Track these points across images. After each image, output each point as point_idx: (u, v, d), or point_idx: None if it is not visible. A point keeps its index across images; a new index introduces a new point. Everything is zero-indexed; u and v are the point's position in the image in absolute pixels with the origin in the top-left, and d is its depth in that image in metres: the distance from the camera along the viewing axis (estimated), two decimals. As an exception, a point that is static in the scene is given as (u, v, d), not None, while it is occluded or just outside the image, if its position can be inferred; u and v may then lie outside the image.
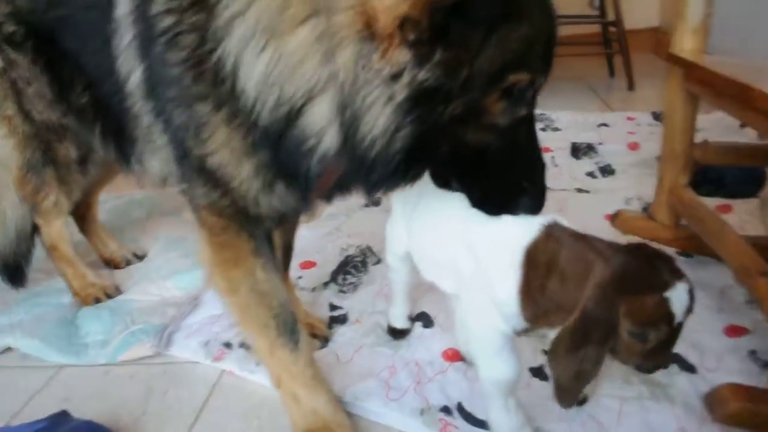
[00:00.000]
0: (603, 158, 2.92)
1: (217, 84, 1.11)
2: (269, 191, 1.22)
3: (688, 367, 1.52)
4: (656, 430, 1.36)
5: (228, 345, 1.72)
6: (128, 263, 2.27)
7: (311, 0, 0.98)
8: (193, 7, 1.11)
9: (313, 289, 1.99)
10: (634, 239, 2.04)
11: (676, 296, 1.01)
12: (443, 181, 1.20)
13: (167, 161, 1.37)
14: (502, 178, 1.14)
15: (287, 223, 1.60)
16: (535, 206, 1.16)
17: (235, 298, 1.36)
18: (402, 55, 0.94)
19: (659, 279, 1.02)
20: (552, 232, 1.14)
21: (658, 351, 1.06)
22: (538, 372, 1.55)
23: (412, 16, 0.91)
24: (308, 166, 1.10)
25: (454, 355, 1.63)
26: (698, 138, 1.97)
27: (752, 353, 1.57)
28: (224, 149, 1.17)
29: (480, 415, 1.41)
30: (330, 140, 1.04)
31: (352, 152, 1.02)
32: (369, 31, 0.94)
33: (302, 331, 1.39)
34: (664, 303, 1.01)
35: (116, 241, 2.34)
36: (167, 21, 1.14)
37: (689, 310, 1.04)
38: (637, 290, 1.02)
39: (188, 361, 1.73)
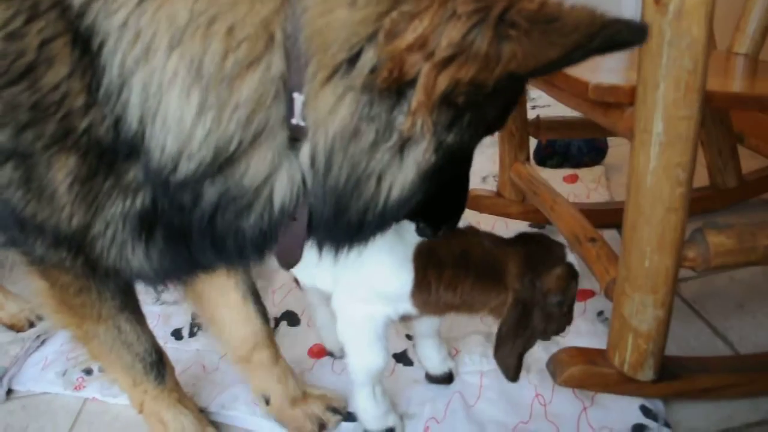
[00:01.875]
0: (461, 140, 2.99)
1: (83, 135, 0.91)
2: (150, 251, 1.03)
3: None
4: (514, 398, 1.42)
5: (88, 372, 1.66)
6: (32, 325, 1.93)
7: (265, 35, 0.81)
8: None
9: (175, 302, 1.94)
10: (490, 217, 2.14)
11: (572, 258, 1.19)
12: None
13: None
14: (453, 204, 1.11)
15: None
16: (456, 223, 1.15)
17: (93, 345, 1.25)
18: (435, 117, 0.82)
19: (556, 252, 1.21)
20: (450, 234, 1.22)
21: (568, 311, 1.23)
22: (401, 357, 1.59)
23: (479, 80, 0.77)
24: (244, 225, 0.94)
25: (320, 351, 1.65)
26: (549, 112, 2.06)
27: (600, 314, 1.66)
28: (79, 203, 0.97)
29: (351, 408, 1.42)
30: (283, 196, 0.89)
31: (340, 216, 0.89)
32: (388, 85, 0.79)
33: (168, 363, 1.35)
34: (570, 267, 1.19)
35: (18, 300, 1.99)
36: None
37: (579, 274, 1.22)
38: (547, 267, 1.18)
39: (49, 392, 1.65)
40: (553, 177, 2.45)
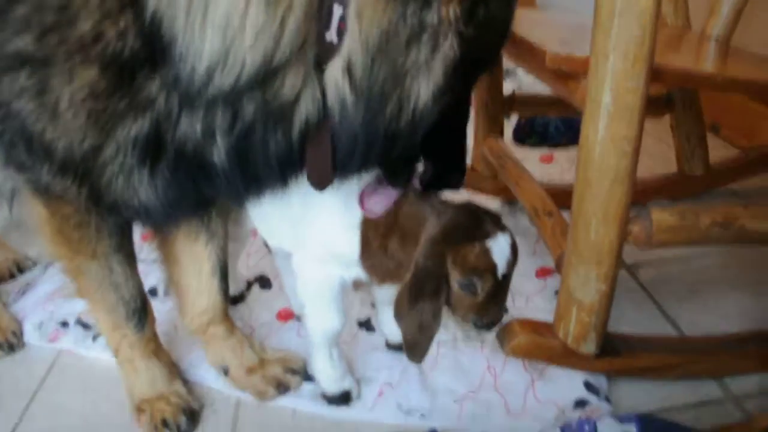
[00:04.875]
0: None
1: (111, 42, 0.88)
2: (155, 180, 1.02)
3: (500, 309, 1.65)
4: (467, 368, 1.48)
5: (64, 324, 1.70)
6: (12, 276, 1.95)
7: None
8: None
9: (154, 260, 1.97)
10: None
11: (497, 245, 1.11)
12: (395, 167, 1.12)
13: None
14: (452, 152, 1.12)
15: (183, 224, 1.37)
16: (459, 181, 1.17)
17: (83, 280, 1.27)
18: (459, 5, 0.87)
19: (481, 230, 1.12)
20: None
21: (489, 304, 1.16)
22: (364, 324, 1.64)
23: None
24: (271, 143, 0.95)
25: (287, 315, 1.70)
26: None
27: (558, 293, 1.71)
28: (93, 123, 0.95)
29: (309, 370, 1.47)
30: (308, 113, 0.92)
31: (373, 125, 0.92)
32: None
33: (150, 313, 1.38)
34: (486, 251, 1.11)
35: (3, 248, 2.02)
36: None
37: (512, 261, 1.15)
38: (460, 241, 1.11)
39: (25, 342, 1.69)
40: (531, 156, 2.49)
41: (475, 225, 1.13)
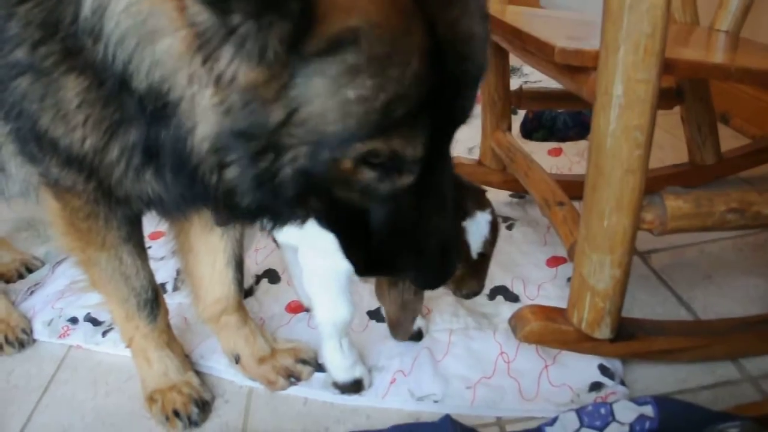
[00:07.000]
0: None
1: (81, 57, 0.93)
2: (162, 176, 1.03)
3: (512, 297, 1.66)
4: (479, 355, 1.47)
5: (74, 320, 1.71)
6: (21, 277, 2.00)
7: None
8: None
9: (162, 258, 1.98)
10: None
11: (474, 225, 1.11)
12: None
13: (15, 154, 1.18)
14: (387, 246, 0.99)
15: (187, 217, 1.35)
16: (428, 284, 1.08)
17: (95, 272, 1.30)
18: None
19: (459, 209, 1.10)
20: None
21: (466, 278, 1.16)
22: (374, 314, 1.64)
23: None
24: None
25: (297, 307, 1.70)
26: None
27: (569, 280, 1.70)
28: (91, 128, 0.99)
29: (320, 360, 1.48)
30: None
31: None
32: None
33: (162, 305, 1.40)
34: (461, 231, 1.10)
35: (12, 250, 2.07)
36: None
37: (489, 240, 1.14)
38: None
39: (35, 340, 1.70)
40: (538, 149, 2.48)
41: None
